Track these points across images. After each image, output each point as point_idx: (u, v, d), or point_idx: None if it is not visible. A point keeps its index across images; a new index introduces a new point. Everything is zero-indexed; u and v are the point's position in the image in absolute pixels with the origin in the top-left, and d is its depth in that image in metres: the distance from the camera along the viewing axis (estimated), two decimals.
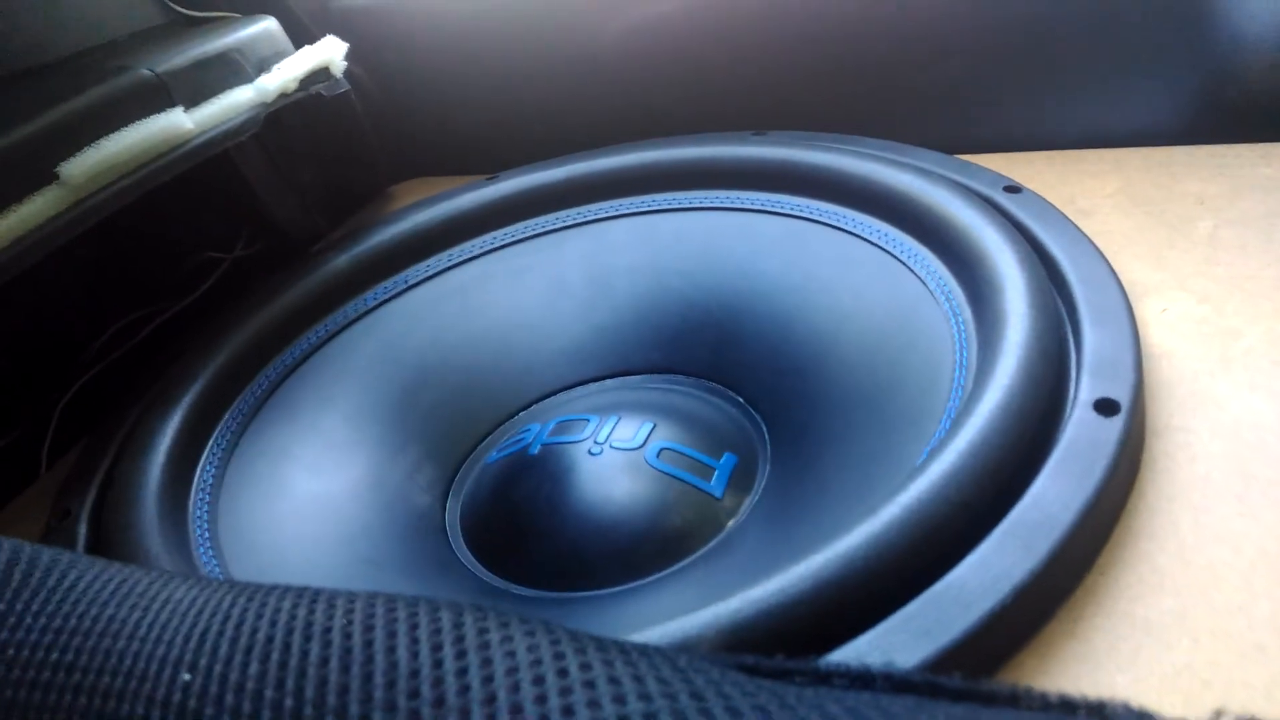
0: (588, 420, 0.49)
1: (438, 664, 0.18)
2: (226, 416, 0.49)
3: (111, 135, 0.47)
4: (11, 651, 0.21)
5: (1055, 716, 0.17)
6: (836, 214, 0.50)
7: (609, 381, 0.55)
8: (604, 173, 0.58)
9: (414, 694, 0.18)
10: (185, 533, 0.42)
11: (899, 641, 0.27)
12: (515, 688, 0.17)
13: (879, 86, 0.59)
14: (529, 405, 0.55)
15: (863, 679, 0.18)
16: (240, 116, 0.53)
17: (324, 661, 0.19)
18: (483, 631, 0.19)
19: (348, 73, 0.63)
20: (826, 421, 0.44)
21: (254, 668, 0.19)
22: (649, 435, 0.47)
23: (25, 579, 0.23)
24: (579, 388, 0.55)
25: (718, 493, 0.45)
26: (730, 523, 0.44)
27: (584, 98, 0.69)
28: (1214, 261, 0.42)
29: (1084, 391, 0.34)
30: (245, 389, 0.51)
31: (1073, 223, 0.44)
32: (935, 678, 0.18)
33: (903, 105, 0.60)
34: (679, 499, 0.45)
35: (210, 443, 0.47)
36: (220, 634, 0.20)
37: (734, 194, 0.55)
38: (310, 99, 0.59)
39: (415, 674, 0.18)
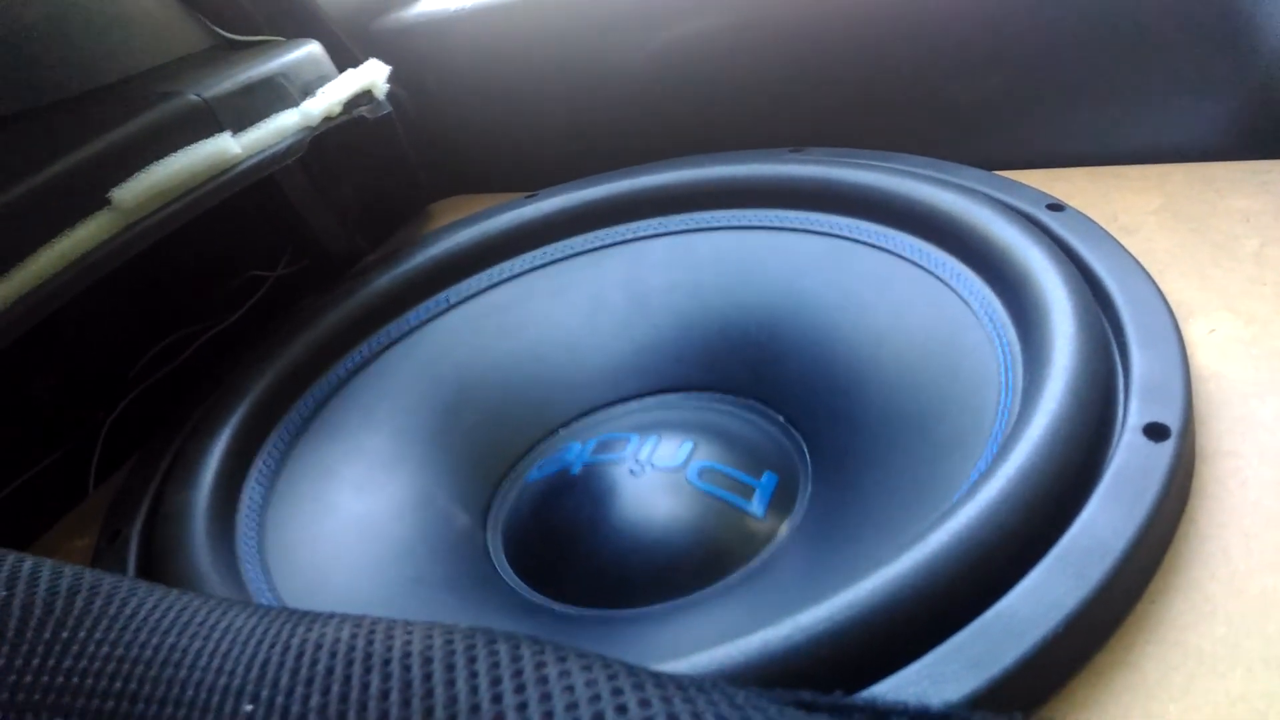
0: (628, 439, 0.49)
1: (497, 699, 0.18)
2: (273, 436, 0.50)
3: (161, 160, 0.48)
4: (75, 680, 0.21)
5: None
6: (876, 233, 0.50)
7: (649, 399, 0.55)
8: (643, 191, 0.58)
9: None
10: (234, 552, 0.42)
11: (949, 671, 0.27)
12: None
13: (918, 103, 0.59)
14: (569, 423, 0.55)
15: (921, 717, 0.18)
16: (286, 140, 0.54)
17: (384, 695, 0.19)
18: (540, 665, 0.19)
19: (388, 93, 0.63)
20: (868, 442, 0.44)
21: (315, 700, 0.19)
22: (690, 454, 0.47)
23: (87, 606, 0.24)
24: (619, 405, 0.55)
25: (759, 513, 0.45)
26: (772, 543, 0.44)
27: (623, 116, 0.69)
28: (1261, 281, 0.42)
29: (1133, 416, 0.34)
30: (290, 409, 0.51)
31: (1117, 241, 0.44)
32: (993, 717, 0.18)
33: (942, 122, 0.59)
34: (720, 518, 0.45)
35: (257, 462, 0.48)
36: (281, 665, 0.21)
37: (773, 213, 0.55)
38: (352, 120, 0.60)
39: (475, 709, 0.18)
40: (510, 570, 0.48)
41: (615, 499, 0.47)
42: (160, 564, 0.41)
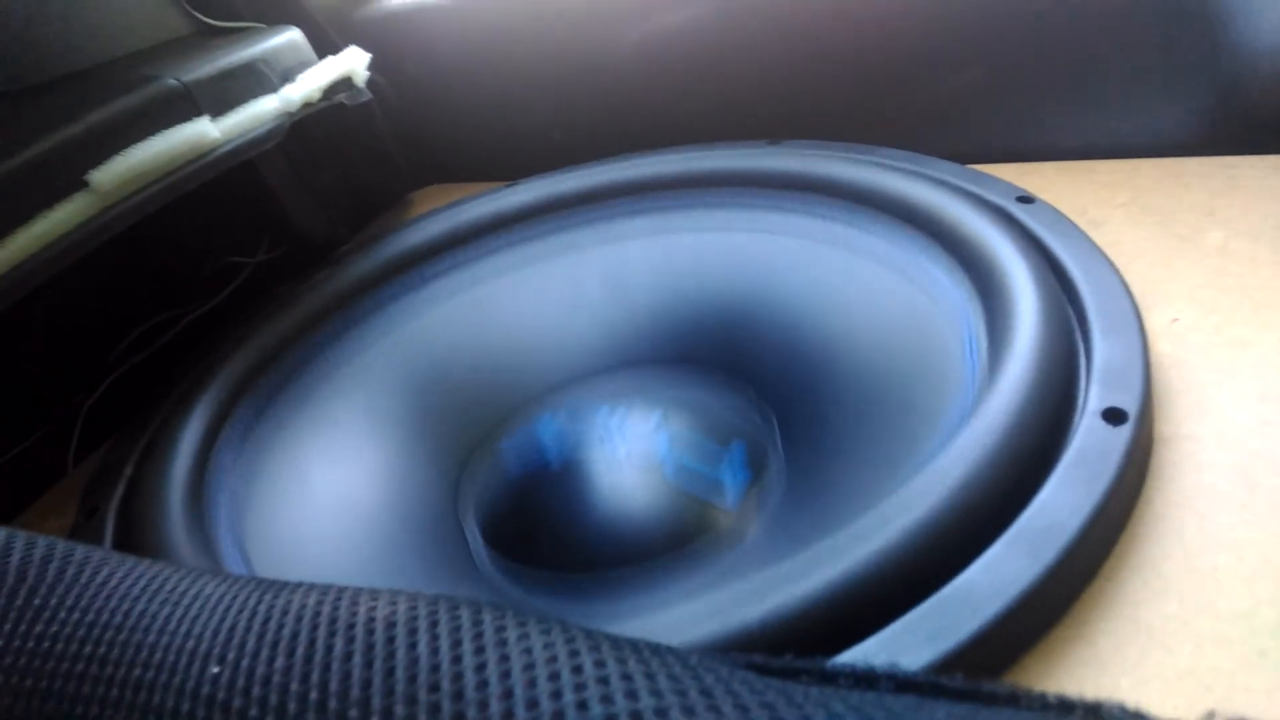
0: (600, 409, 0.50)
1: (457, 660, 0.19)
2: (247, 415, 0.50)
3: (140, 144, 0.48)
4: (47, 644, 0.22)
5: (1053, 716, 0.17)
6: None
7: (621, 372, 0.55)
8: (620, 183, 0.59)
9: (434, 688, 0.18)
10: (209, 527, 0.43)
11: (907, 644, 0.27)
12: (531, 683, 0.18)
13: (893, 97, 0.60)
14: (542, 395, 0.56)
15: (867, 679, 0.19)
16: (265, 126, 0.54)
17: (348, 656, 0.19)
18: (500, 629, 0.20)
19: (369, 81, 0.63)
20: (837, 418, 0.45)
21: (280, 661, 0.20)
22: (659, 424, 0.48)
23: (59, 574, 0.24)
24: (592, 378, 0.56)
25: (727, 481, 0.46)
26: (738, 514, 0.45)
27: (601, 107, 0.70)
28: (1224, 273, 0.43)
29: (1093, 400, 0.34)
30: (264, 389, 0.52)
31: (1084, 233, 0.45)
32: (937, 678, 0.18)
33: (916, 116, 0.60)
34: (688, 487, 0.46)
35: (232, 439, 0.48)
36: (248, 629, 0.21)
37: (749, 201, 0.55)
38: (332, 108, 0.60)
39: (435, 669, 0.19)
40: (479, 536, 0.48)
41: (585, 467, 0.47)
42: (136, 539, 0.41)
